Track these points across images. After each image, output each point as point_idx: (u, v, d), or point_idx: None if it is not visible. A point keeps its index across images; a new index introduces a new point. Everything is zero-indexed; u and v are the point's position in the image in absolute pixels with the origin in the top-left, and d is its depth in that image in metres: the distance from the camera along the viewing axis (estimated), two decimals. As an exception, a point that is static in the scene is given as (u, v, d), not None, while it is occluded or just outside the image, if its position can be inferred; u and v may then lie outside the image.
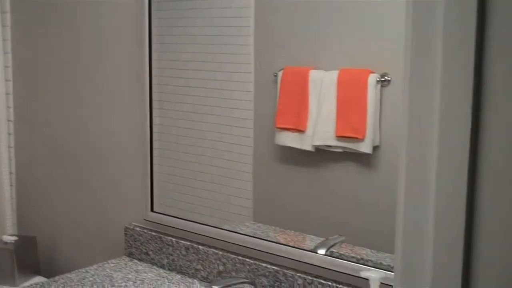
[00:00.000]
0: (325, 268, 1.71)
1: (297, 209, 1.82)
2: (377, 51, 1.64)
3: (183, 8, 2.04)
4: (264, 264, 1.84)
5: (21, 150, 2.69)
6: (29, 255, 2.46)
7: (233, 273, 1.92)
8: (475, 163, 0.66)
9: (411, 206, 0.70)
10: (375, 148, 1.64)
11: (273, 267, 1.81)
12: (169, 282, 2.01)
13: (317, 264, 1.73)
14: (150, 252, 2.16)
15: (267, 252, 1.85)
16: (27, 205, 2.69)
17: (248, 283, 1.67)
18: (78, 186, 2.48)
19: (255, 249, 1.88)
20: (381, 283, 1.51)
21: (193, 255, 2.03)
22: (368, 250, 1.67)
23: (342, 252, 1.70)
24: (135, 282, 2.00)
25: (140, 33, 2.13)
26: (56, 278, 2.05)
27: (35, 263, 2.47)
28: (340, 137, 1.69)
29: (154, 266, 2.15)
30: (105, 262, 2.18)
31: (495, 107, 0.64)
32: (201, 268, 2.01)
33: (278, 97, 1.81)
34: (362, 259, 1.66)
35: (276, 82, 1.81)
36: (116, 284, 1.98)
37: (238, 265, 1.90)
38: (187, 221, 2.08)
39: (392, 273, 1.54)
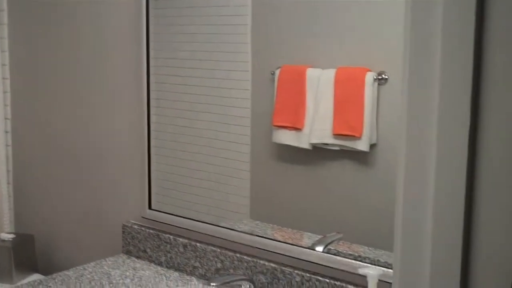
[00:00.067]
0: (323, 265, 1.72)
1: (295, 207, 1.83)
2: (374, 49, 1.65)
3: (181, 6, 2.04)
4: (262, 261, 1.84)
5: (18, 148, 2.69)
6: (27, 253, 2.46)
7: (231, 271, 1.92)
8: (473, 163, 0.66)
9: (410, 206, 0.70)
10: (372, 146, 1.65)
11: (271, 264, 1.82)
12: (167, 280, 2.01)
13: (315, 261, 1.74)
14: (148, 250, 2.17)
15: (265, 250, 1.86)
16: (24, 203, 2.69)
17: (246, 280, 1.68)
18: (76, 184, 2.48)
19: (253, 247, 1.89)
20: (379, 280, 1.52)
21: (191, 252, 2.04)
22: (366, 247, 1.67)
23: (339, 250, 1.71)
24: (133, 280, 2.01)
25: (138, 31, 2.14)
26: (54, 275, 2.05)
27: (32, 260, 2.48)
28: (337, 135, 1.70)
29: (152, 264, 2.15)
30: (103, 260, 2.18)
31: (494, 107, 0.65)
32: (199, 266, 2.02)
33: (275, 95, 1.81)
34: (359, 256, 1.67)
35: (273, 80, 1.82)
36: (114, 282, 1.99)
37: (236, 262, 1.91)
38: (185, 219, 2.08)
39: (390, 270, 1.55)
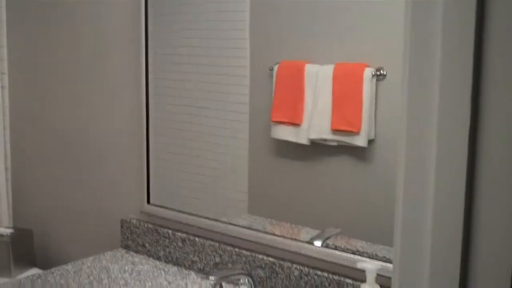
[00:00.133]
0: (321, 259, 1.73)
1: (293, 202, 1.83)
2: (372, 45, 1.65)
3: (180, 3, 2.04)
4: (260, 256, 1.85)
5: (17, 144, 2.69)
6: (25, 247, 2.47)
7: (230, 265, 1.93)
8: (473, 162, 0.66)
9: (410, 206, 0.71)
10: (370, 141, 1.65)
11: (270, 258, 1.83)
12: (165, 274, 2.02)
13: (313, 256, 1.75)
14: (147, 244, 2.17)
15: (263, 244, 1.87)
16: (23, 198, 2.70)
17: (245, 274, 1.69)
18: (74, 179, 2.48)
19: (251, 241, 1.90)
20: (377, 274, 1.53)
21: (190, 247, 2.04)
22: (364, 242, 1.68)
23: (337, 244, 1.72)
24: (132, 274, 2.02)
25: (137, 28, 2.14)
26: (53, 269, 2.06)
27: (31, 255, 2.48)
28: (335, 131, 1.70)
29: (151, 258, 2.16)
30: (102, 254, 2.19)
31: (494, 107, 0.65)
32: (198, 260, 2.03)
33: (273, 91, 1.82)
34: (357, 251, 1.68)
35: (271, 76, 1.82)
36: (113, 276, 2.00)
37: (234, 257, 1.92)
38: (183, 213, 2.09)
39: (388, 264, 1.56)
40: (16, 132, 2.69)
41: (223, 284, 1.77)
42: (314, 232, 1.78)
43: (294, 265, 1.77)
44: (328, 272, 1.71)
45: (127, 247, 2.24)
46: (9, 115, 2.69)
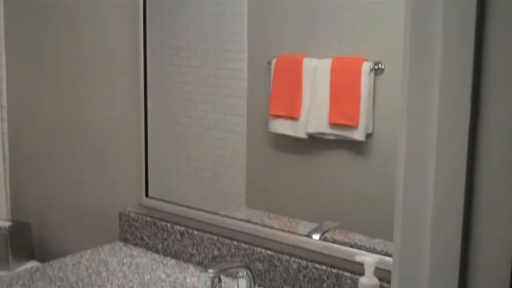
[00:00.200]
0: (320, 252, 1.74)
1: (290, 196, 1.84)
2: (371, 39, 1.66)
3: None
4: (259, 249, 1.86)
5: (14, 136, 2.69)
6: (23, 240, 2.47)
7: (228, 258, 1.94)
8: (473, 161, 0.67)
9: (410, 205, 0.71)
10: (368, 135, 1.66)
11: (268, 251, 1.84)
12: (164, 267, 2.03)
13: (311, 249, 1.76)
14: (145, 237, 2.18)
15: (261, 237, 1.88)
16: (21, 190, 2.70)
17: (243, 267, 1.69)
18: (73, 172, 2.48)
19: (250, 234, 1.90)
20: (376, 267, 1.54)
21: (188, 240, 2.05)
22: (362, 235, 1.69)
23: (336, 238, 1.73)
24: (130, 267, 2.02)
25: (135, 20, 2.14)
26: (51, 262, 2.07)
27: (29, 248, 2.49)
28: (333, 125, 1.71)
29: (149, 251, 2.17)
30: (100, 247, 2.20)
31: (494, 106, 0.65)
32: (196, 253, 2.03)
33: (271, 85, 1.82)
34: (356, 244, 1.69)
35: (269, 69, 1.83)
36: (111, 269, 2.00)
37: (233, 250, 1.93)
38: (182, 207, 2.10)
39: (386, 258, 1.57)
40: (14, 124, 2.69)
41: (222, 277, 1.77)
42: (312, 226, 1.79)
43: (293, 258, 1.78)
44: (327, 265, 1.72)
45: (125, 240, 2.25)
46: (7, 107, 2.69)
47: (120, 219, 2.26)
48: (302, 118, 1.76)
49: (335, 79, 1.70)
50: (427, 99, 0.70)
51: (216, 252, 1.98)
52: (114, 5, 2.24)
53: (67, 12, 2.42)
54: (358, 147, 1.68)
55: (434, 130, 0.69)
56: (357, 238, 1.70)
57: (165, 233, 2.12)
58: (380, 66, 1.63)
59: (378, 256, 1.58)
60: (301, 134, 1.77)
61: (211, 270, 1.63)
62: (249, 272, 1.68)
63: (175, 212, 2.11)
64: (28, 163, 2.66)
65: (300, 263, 1.76)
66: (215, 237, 1.98)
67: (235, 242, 1.92)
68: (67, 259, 2.09)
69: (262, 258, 1.85)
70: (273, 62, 1.81)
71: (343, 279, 1.67)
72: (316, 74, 1.73)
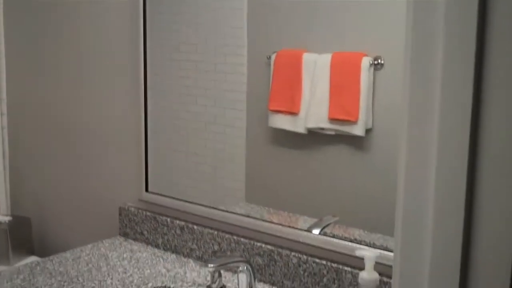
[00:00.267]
0: (320, 247, 1.74)
1: (290, 191, 1.84)
2: (371, 34, 1.66)
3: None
4: (259, 244, 1.87)
5: (14, 130, 2.69)
6: (23, 235, 2.48)
7: (228, 253, 1.95)
8: (474, 161, 0.67)
9: (411, 204, 0.72)
10: (368, 131, 1.66)
11: (268, 246, 1.85)
12: (164, 262, 2.03)
13: (311, 244, 1.76)
14: (145, 232, 2.19)
15: (261, 232, 1.88)
16: (21, 185, 2.70)
17: (243, 262, 1.70)
18: (73, 167, 2.49)
19: (250, 229, 1.91)
20: (376, 262, 1.54)
21: (188, 234, 2.06)
22: (361, 230, 1.70)
23: (335, 233, 1.73)
24: (130, 262, 2.03)
25: (135, 16, 2.14)
26: (51, 257, 2.07)
27: (29, 243, 2.49)
28: (333, 120, 1.71)
29: (149, 246, 2.17)
30: (100, 242, 2.20)
31: (496, 105, 0.65)
32: (196, 248, 2.04)
33: (271, 80, 1.82)
34: (355, 239, 1.69)
35: (269, 64, 1.83)
36: (111, 264, 2.01)
37: (233, 244, 1.93)
38: (182, 201, 2.10)
39: (386, 253, 1.58)
40: (14, 119, 2.69)
41: (222, 271, 1.78)
42: (312, 221, 1.79)
43: (293, 253, 1.79)
44: (327, 260, 1.72)
45: (125, 235, 2.25)
46: (7, 102, 2.68)
47: (120, 214, 2.26)
48: (302, 113, 1.77)
49: (335, 74, 1.70)
50: (428, 98, 0.70)
51: (216, 247, 1.98)
52: (114, 3, 2.24)
53: (67, 9, 2.41)
54: (358, 142, 1.69)
55: (435, 129, 0.69)
56: (357, 233, 1.70)
57: (165, 228, 2.12)
58: (379, 61, 1.63)
59: (378, 251, 1.59)
60: (301, 129, 1.77)
61: (211, 265, 1.63)
62: (249, 267, 1.69)
63: (175, 207, 2.12)
64: (28, 158, 2.67)
65: (300, 258, 1.77)
66: (215, 232, 1.98)
67: (235, 237, 1.93)
68: (67, 254, 2.09)
69: (262, 253, 1.86)
70: (273, 57, 1.81)
71: (343, 274, 1.68)
72: (316, 69, 1.74)
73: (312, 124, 1.75)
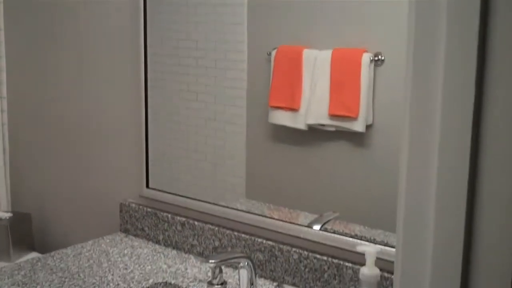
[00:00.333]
0: (321, 243, 1.75)
1: (290, 187, 1.85)
2: (371, 30, 1.66)
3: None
4: (259, 240, 1.87)
5: (15, 127, 2.69)
6: (24, 232, 2.48)
7: (229, 249, 1.95)
8: (476, 159, 0.67)
9: (412, 202, 0.72)
10: (368, 127, 1.66)
11: (269, 242, 1.85)
12: (165, 258, 2.04)
13: (312, 239, 1.77)
14: (146, 228, 2.19)
15: (262, 228, 1.89)
16: (21, 181, 2.70)
17: (244, 258, 1.70)
18: (73, 163, 2.49)
19: (250, 225, 1.91)
20: (377, 257, 1.54)
21: (189, 230, 2.06)
22: (362, 226, 1.70)
23: (336, 229, 1.74)
24: (131, 258, 2.03)
25: (135, 13, 2.13)
26: (52, 253, 2.07)
27: (29, 239, 2.50)
28: (333, 116, 1.71)
29: (150, 242, 2.18)
30: (101, 238, 2.21)
31: (498, 102, 0.65)
32: (197, 244, 2.04)
33: (271, 76, 1.82)
34: (356, 235, 1.70)
35: (269, 61, 1.83)
36: (112, 260, 2.01)
37: (234, 240, 1.94)
38: (182, 197, 2.10)
39: (387, 248, 1.58)
40: (14, 116, 2.69)
41: (223, 267, 1.78)
42: (312, 217, 1.79)
43: (293, 249, 1.79)
44: (327, 255, 1.73)
45: (126, 231, 2.26)
46: (7, 99, 2.68)
47: (121, 210, 2.27)
48: (302, 110, 1.77)
49: (335, 71, 1.71)
50: (430, 96, 0.70)
51: (217, 243, 1.99)
52: (114, 1, 2.24)
53: (68, 6, 2.41)
54: (358, 139, 1.69)
55: (437, 126, 0.69)
56: (357, 229, 1.70)
57: (166, 224, 2.12)
58: (380, 57, 1.63)
59: (379, 246, 1.59)
60: (301, 126, 1.78)
61: (212, 261, 1.63)
62: (250, 263, 1.69)
63: (176, 203, 2.12)
64: (28, 154, 2.67)
65: (301, 254, 1.77)
66: (216, 228, 1.99)
67: (235, 233, 1.93)
68: (68, 250, 2.09)
69: (263, 249, 1.86)
70: (273, 53, 1.81)
71: (344, 269, 1.68)
72: (316, 65, 1.74)
73: (312, 121, 1.75)
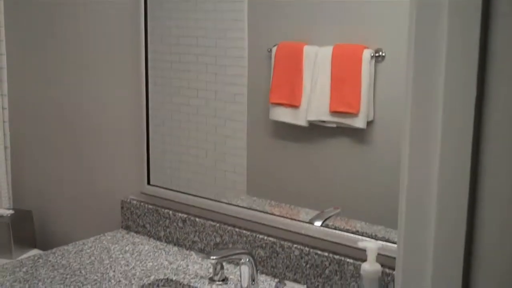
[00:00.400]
0: (322, 239, 1.75)
1: (291, 184, 1.85)
2: (371, 27, 1.66)
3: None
4: (261, 236, 1.87)
5: (16, 124, 2.69)
6: (25, 229, 2.48)
7: (230, 245, 1.95)
8: (478, 157, 0.67)
9: (414, 200, 0.72)
10: (369, 123, 1.66)
11: (270, 238, 1.85)
12: (166, 254, 2.04)
13: (313, 236, 1.77)
14: (147, 225, 2.19)
15: (263, 224, 1.89)
16: (23, 179, 2.70)
17: (245, 254, 1.70)
18: (74, 160, 2.49)
19: (252, 221, 1.92)
20: (378, 253, 1.55)
21: (190, 227, 2.06)
22: (363, 222, 1.70)
23: (337, 225, 1.74)
24: (133, 254, 2.04)
25: (136, 10, 2.13)
26: (54, 250, 2.08)
27: (31, 236, 2.50)
28: (334, 112, 1.71)
29: (151, 239, 2.18)
30: (102, 235, 2.21)
31: (500, 97, 0.65)
32: (198, 240, 2.05)
33: (272, 73, 1.82)
34: (357, 231, 1.70)
35: (270, 57, 1.83)
36: (114, 256, 2.02)
37: (235, 237, 1.94)
38: (183, 194, 2.10)
39: (388, 244, 1.59)
40: (15, 113, 2.69)
41: (224, 264, 1.79)
42: (313, 213, 1.80)
43: (295, 245, 1.79)
44: (329, 251, 1.73)
45: (127, 228, 2.26)
46: (8, 96, 2.68)
47: (122, 207, 2.27)
48: (303, 106, 1.77)
49: (336, 67, 1.70)
50: (432, 93, 0.70)
51: (218, 239, 1.99)
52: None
53: (68, 4, 2.41)
54: (359, 135, 1.69)
55: (439, 123, 0.69)
56: (358, 225, 1.71)
57: (167, 221, 2.13)
58: (380, 54, 1.63)
59: (380, 242, 1.59)
60: (302, 122, 1.78)
61: (213, 257, 1.64)
62: (251, 259, 1.70)
63: (177, 200, 2.12)
64: (30, 151, 2.67)
65: (302, 250, 1.78)
66: (217, 224, 1.99)
67: (237, 229, 1.94)
68: (70, 247, 2.10)
69: (264, 245, 1.86)
70: (274, 49, 1.81)
71: (345, 265, 1.69)
72: (317, 61, 1.74)
73: (313, 117, 1.75)
